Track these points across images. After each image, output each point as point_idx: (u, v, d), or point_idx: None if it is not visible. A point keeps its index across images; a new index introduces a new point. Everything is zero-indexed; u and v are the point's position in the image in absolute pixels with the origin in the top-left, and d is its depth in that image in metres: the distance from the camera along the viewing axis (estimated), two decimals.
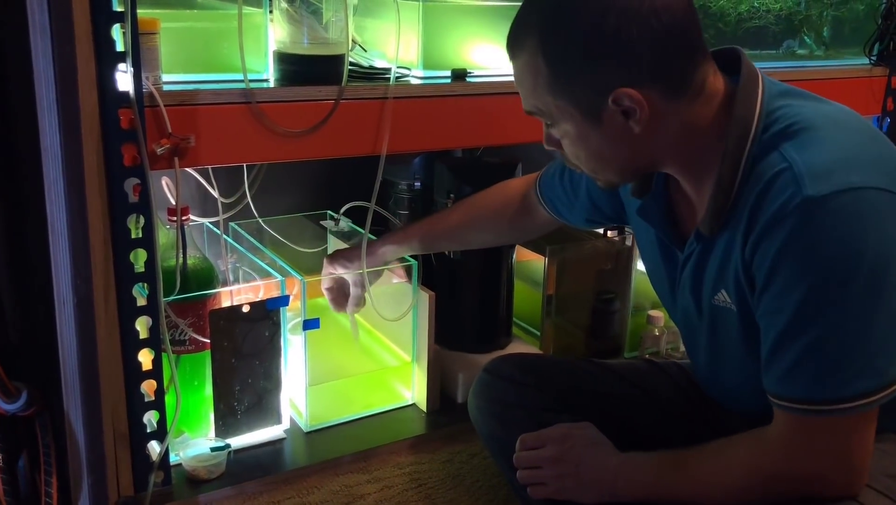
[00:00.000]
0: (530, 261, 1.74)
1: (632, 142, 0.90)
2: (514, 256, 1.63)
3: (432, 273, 1.59)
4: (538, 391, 1.15)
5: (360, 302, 1.39)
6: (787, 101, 0.90)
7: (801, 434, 0.86)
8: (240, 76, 1.16)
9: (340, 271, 1.37)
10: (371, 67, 1.36)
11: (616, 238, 1.66)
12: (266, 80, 1.25)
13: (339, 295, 1.40)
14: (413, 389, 1.50)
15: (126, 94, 1.03)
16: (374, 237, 1.50)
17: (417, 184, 1.66)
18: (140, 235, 1.11)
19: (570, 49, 0.87)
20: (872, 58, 1.85)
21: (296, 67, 1.25)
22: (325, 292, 1.41)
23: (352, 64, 1.28)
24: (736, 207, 0.89)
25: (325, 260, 1.40)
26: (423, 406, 1.48)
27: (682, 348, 1.70)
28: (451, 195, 1.51)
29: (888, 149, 0.88)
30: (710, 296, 0.97)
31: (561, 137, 0.95)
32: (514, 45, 0.93)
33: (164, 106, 1.07)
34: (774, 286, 0.84)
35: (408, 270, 1.45)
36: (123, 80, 1.03)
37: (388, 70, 1.30)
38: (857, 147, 0.85)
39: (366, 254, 1.34)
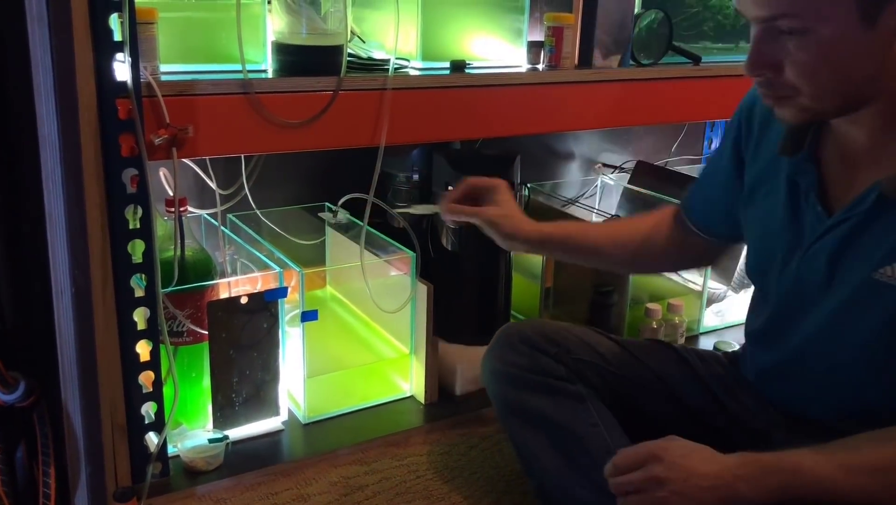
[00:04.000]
0: (529, 255, 1.74)
1: (886, 59, 0.84)
2: None
3: (431, 265, 1.59)
4: (555, 361, 1.14)
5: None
6: None
7: None
8: (238, 67, 1.16)
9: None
10: (370, 58, 1.35)
11: None
12: (264, 71, 1.25)
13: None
14: (411, 381, 1.50)
15: (124, 83, 1.02)
16: (372, 229, 1.50)
17: (416, 176, 1.65)
18: (138, 226, 1.10)
19: None
20: None
21: (294, 58, 1.24)
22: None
23: (350, 55, 1.28)
24: None
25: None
26: (421, 398, 1.48)
27: (681, 340, 1.70)
28: (450, 187, 1.51)
29: None
30: (870, 269, 0.89)
31: (795, 50, 0.85)
32: None
33: (162, 96, 1.07)
34: None
35: (406, 262, 1.45)
36: (121, 69, 1.03)
37: (386, 61, 1.30)
38: None
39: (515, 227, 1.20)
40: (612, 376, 1.15)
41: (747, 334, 1.13)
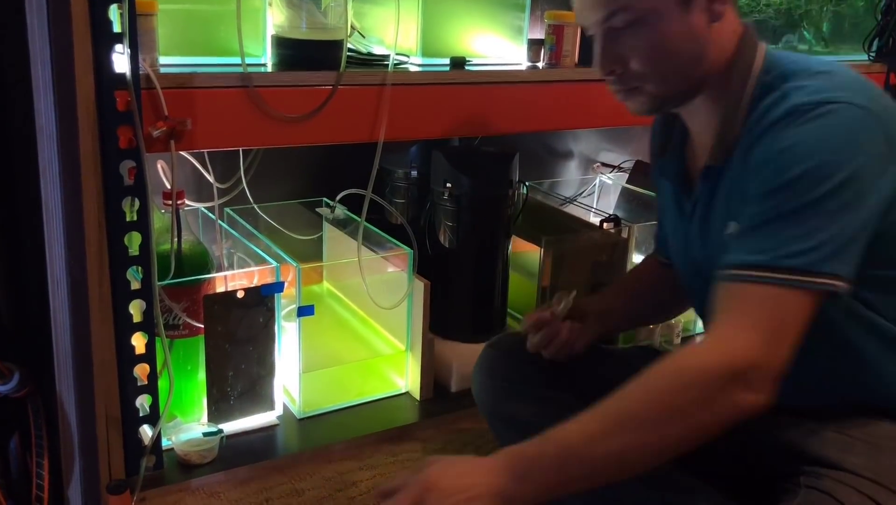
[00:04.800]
0: (526, 252, 1.74)
1: (703, 40, 0.95)
2: (510, 247, 1.63)
3: (427, 262, 1.59)
4: (541, 370, 1.15)
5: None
6: (786, 53, 0.98)
7: (735, 301, 0.85)
8: (237, 60, 1.15)
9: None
10: (369, 54, 1.35)
11: (612, 229, 1.66)
12: (264, 65, 1.25)
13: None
14: (407, 378, 1.50)
15: (122, 75, 1.02)
16: (370, 225, 1.50)
17: (414, 172, 1.65)
18: (135, 219, 1.10)
19: None
20: (871, 54, 1.85)
21: (294, 52, 1.24)
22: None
23: (350, 50, 1.27)
24: (739, 142, 0.94)
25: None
26: (416, 395, 1.48)
27: (677, 341, 1.70)
28: (448, 184, 1.51)
29: (881, 92, 0.94)
30: (721, 232, 0.96)
31: (634, 41, 0.95)
32: None
33: (161, 88, 1.06)
34: (757, 184, 0.89)
35: (404, 259, 1.45)
36: (120, 61, 1.02)
37: (386, 57, 1.29)
38: (852, 81, 0.91)
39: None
40: (603, 380, 1.15)
41: None
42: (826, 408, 0.98)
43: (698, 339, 0.87)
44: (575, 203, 1.86)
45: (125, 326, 1.13)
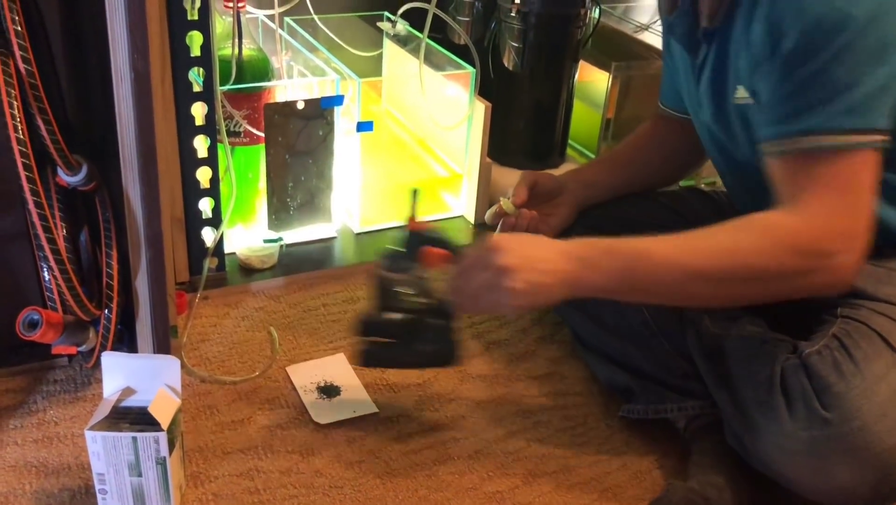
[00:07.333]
0: (592, 81, 1.67)
1: None
2: (577, 74, 1.57)
3: (489, 85, 1.54)
4: (583, 229, 1.12)
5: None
6: None
7: (802, 176, 0.84)
8: None
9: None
10: None
11: None
12: None
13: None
14: (462, 201, 1.50)
15: None
16: (432, 42, 1.45)
17: None
18: (196, 18, 1.08)
19: None
20: None
21: None
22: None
23: None
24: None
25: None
26: (470, 218, 1.49)
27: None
28: (516, 0, 1.43)
29: None
30: (731, 97, 0.94)
31: None
32: None
33: None
34: (771, 49, 0.84)
35: (465, 79, 1.41)
36: None
37: None
38: None
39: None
40: (638, 224, 1.13)
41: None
42: None
43: (782, 208, 0.86)
44: (650, 30, 1.76)
45: (187, 128, 1.14)
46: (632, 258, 0.85)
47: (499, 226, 1.10)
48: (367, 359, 0.97)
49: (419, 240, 0.93)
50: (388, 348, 0.97)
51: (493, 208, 1.11)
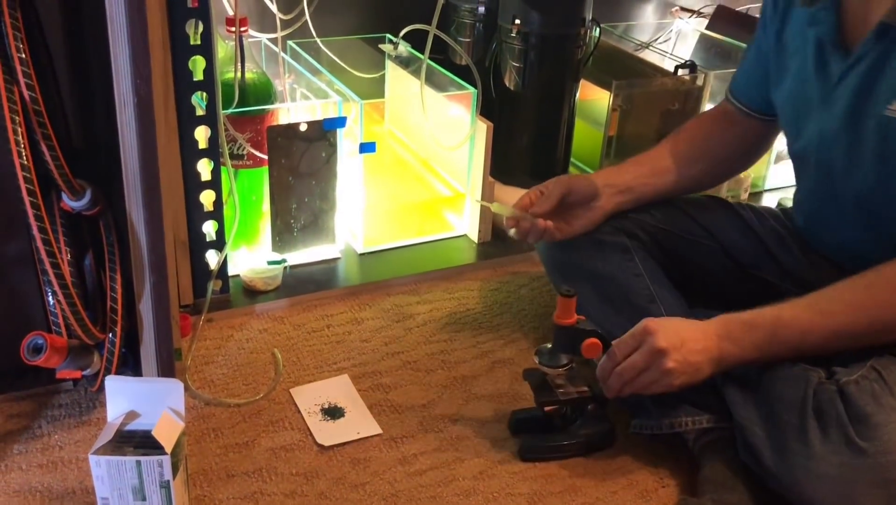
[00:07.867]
0: (593, 99, 1.68)
1: None
2: (578, 93, 1.58)
3: (491, 105, 1.55)
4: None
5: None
6: None
7: None
8: None
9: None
10: None
11: (687, 76, 1.59)
12: None
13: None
14: (465, 220, 1.51)
15: None
16: (433, 63, 1.46)
17: (481, 8, 1.58)
18: (198, 42, 1.09)
19: None
20: None
21: None
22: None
23: None
24: None
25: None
26: (474, 237, 1.49)
27: (744, 196, 1.66)
28: (517, 21, 1.44)
29: None
30: (882, 106, 0.90)
31: None
32: None
33: None
34: None
35: (467, 100, 1.42)
36: None
37: None
38: None
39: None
40: (659, 231, 1.14)
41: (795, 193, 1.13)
42: None
43: None
44: (650, 48, 1.77)
45: (191, 152, 1.15)
46: (771, 330, 0.91)
47: (512, 231, 1.13)
48: (529, 453, 1.02)
49: (566, 333, 0.98)
50: (547, 440, 1.03)
51: (505, 216, 1.13)
